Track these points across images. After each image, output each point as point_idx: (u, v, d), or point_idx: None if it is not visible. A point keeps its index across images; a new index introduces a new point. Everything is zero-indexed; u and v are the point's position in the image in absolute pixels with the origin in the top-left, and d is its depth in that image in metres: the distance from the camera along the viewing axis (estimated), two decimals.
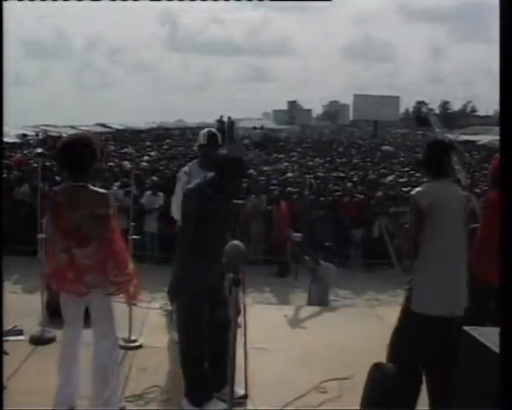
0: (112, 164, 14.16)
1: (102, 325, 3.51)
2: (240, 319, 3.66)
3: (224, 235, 3.58)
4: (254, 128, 30.13)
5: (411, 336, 3.40)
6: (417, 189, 3.54)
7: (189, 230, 3.56)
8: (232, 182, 3.63)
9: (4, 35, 2.75)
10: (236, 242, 2.54)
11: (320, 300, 6.61)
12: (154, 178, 11.99)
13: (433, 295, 3.36)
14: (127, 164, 13.99)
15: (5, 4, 2.66)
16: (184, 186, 4.22)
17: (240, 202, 4.32)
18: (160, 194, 10.31)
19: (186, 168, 4.98)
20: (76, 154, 3.38)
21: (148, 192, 10.36)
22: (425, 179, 3.66)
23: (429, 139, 3.96)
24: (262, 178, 12.44)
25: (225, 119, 28.44)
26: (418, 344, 3.37)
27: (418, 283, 3.40)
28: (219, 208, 3.62)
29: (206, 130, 4.99)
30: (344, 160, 20.53)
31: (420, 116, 43.59)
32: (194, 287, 3.62)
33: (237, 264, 2.44)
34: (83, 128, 32.10)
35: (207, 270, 3.58)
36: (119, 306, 5.66)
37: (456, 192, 3.57)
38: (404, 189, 11.15)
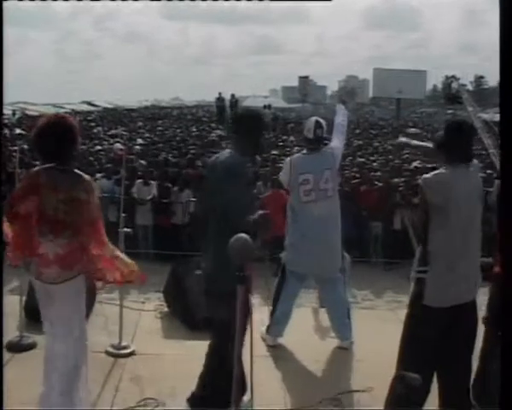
0: (99, 148, 14.20)
1: (66, 323, 3.50)
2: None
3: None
4: (264, 107, 30.01)
5: (426, 332, 3.53)
6: (428, 176, 3.59)
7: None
8: (248, 138, 3.69)
9: (4, 35, 3.00)
10: (243, 234, 2.55)
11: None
12: (142, 161, 11.99)
13: (448, 289, 3.50)
14: (118, 147, 14.02)
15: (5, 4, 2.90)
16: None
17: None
18: (153, 183, 10.30)
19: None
20: (54, 137, 3.38)
21: (139, 181, 10.36)
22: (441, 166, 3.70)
23: (449, 120, 4.04)
24: (268, 163, 12.42)
25: (227, 96, 28.28)
26: (433, 340, 3.52)
27: (431, 276, 3.52)
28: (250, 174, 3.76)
29: (313, 120, 5.27)
30: (362, 143, 20.50)
31: (450, 93, 43.25)
32: None
33: (244, 259, 2.45)
34: (66, 107, 32.15)
35: None
36: (108, 308, 5.74)
37: (473, 181, 3.64)
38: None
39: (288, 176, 5.18)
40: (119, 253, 3.67)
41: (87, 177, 3.46)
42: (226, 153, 3.80)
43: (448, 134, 3.65)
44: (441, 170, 3.59)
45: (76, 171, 3.45)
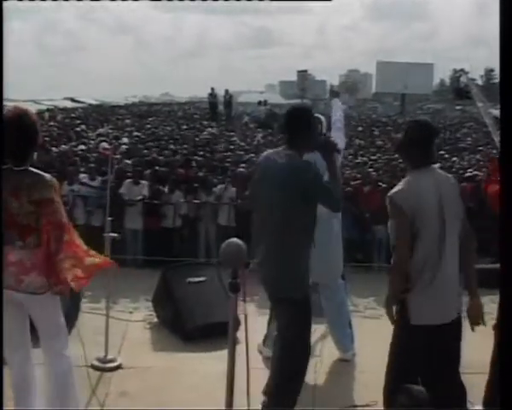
0: (83, 148, 14.18)
1: (48, 339, 3.48)
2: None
3: None
4: (259, 103, 29.98)
5: (413, 351, 3.58)
6: (397, 187, 3.62)
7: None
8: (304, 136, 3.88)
9: (4, 35, 3.05)
10: (235, 239, 2.55)
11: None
12: (128, 161, 11.95)
13: (433, 305, 3.54)
14: (104, 146, 13.97)
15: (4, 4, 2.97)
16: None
17: None
18: (144, 182, 10.29)
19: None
20: (10, 135, 3.31)
21: (129, 180, 10.34)
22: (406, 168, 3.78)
23: (411, 121, 4.02)
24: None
25: (220, 92, 28.28)
26: (421, 359, 3.59)
27: (414, 293, 3.55)
28: None
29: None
30: (364, 142, 20.53)
31: (458, 88, 43.34)
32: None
33: (236, 265, 2.45)
34: (47, 103, 32.09)
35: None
36: (93, 318, 5.73)
37: (442, 182, 3.67)
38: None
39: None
40: (91, 253, 3.65)
41: (47, 176, 3.42)
42: (285, 153, 3.90)
43: (407, 136, 3.69)
44: (405, 179, 3.64)
45: (34, 170, 3.41)
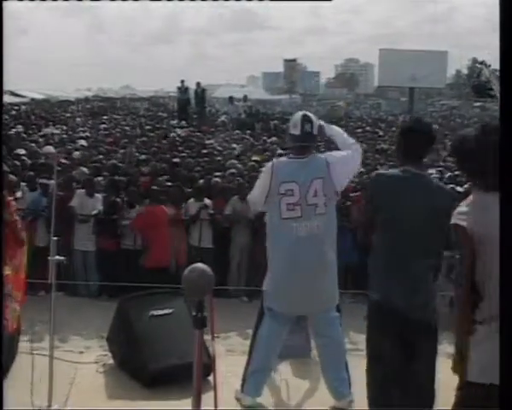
0: (22, 152, 14.11)
1: None
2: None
3: None
4: (231, 100, 30.04)
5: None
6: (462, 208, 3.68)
7: None
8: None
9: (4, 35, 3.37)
10: (200, 265, 2.56)
11: (300, 349, 6.66)
12: (84, 169, 11.92)
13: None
14: (49, 150, 13.92)
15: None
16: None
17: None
18: (98, 195, 10.26)
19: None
20: None
21: (81, 191, 10.30)
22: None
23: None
24: (245, 171, 12.46)
25: (192, 85, 28.24)
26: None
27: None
28: None
29: (300, 113, 5.43)
30: (365, 145, 20.64)
31: (478, 83, 43.78)
32: None
33: (202, 296, 2.46)
34: None
35: None
36: (36, 359, 5.69)
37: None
38: (452, 185, 11.20)
39: (266, 186, 5.21)
40: None
41: None
42: (419, 173, 4.36)
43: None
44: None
45: None
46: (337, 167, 5.22)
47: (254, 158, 14.40)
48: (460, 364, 3.56)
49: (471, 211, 3.57)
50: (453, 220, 3.59)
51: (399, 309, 4.16)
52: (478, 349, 3.50)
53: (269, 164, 5.45)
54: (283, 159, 5.49)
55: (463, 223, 3.54)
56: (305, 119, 5.29)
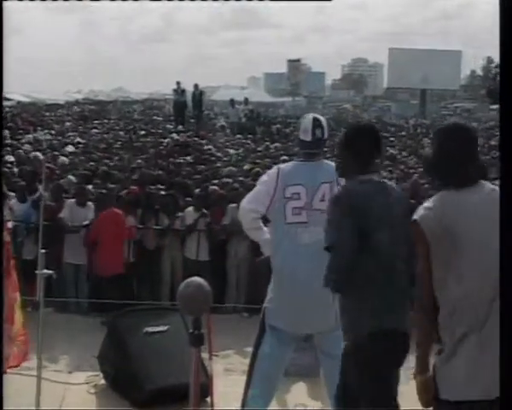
0: (11, 159, 14.13)
1: None
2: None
3: None
4: (232, 103, 30.04)
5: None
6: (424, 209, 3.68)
7: None
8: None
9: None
10: (197, 279, 2.57)
11: (309, 368, 6.65)
12: (71, 177, 11.91)
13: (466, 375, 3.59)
14: (36, 157, 13.92)
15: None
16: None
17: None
18: (91, 204, 10.25)
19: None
20: None
21: (71, 201, 10.29)
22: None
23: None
24: (243, 179, 12.45)
25: (189, 87, 28.30)
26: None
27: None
28: None
29: (310, 117, 5.40)
30: None
31: (494, 85, 43.72)
32: None
33: (199, 313, 2.46)
34: None
35: None
36: (23, 380, 5.70)
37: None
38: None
39: (270, 191, 5.20)
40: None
41: None
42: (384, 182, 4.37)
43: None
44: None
45: None
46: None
47: (245, 167, 14.44)
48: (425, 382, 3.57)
49: (437, 207, 3.57)
50: (413, 217, 3.61)
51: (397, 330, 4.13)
52: (447, 366, 3.50)
53: (274, 168, 5.46)
54: (290, 163, 5.52)
55: (420, 218, 3.54)
56: (316, 124, 5.29)
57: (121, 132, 23.25)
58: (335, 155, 4.44)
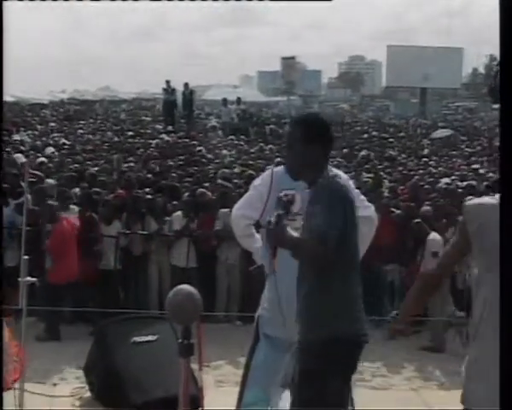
0: None
1: None
2: None
3: None
4: (225, 103, 30.01)
5: None
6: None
7: None
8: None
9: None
10: (186, 286, 2.57)
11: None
12: (50, 180, 11.88)
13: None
14: (19, 159, 13.92)
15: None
16: None
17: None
18: (74, 207, 10.25)
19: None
20: None
21: (55, 205, 10.28)
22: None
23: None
24: (237, 181, 12.47)
25: (179, 86, 28.25)
26: None
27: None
28: None
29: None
30: (373, 152, 20.68)
31: (495, 84, 43.81)
32: None
33: (189, 322, 2.47)
34: None
35: None
36: (4, 393, 5.69)
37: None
38: (471, 197, 11.27)
39: (263, 196, 5.21)
40: None
41: None
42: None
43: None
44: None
45: None
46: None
47: (236, 170, 14.47)
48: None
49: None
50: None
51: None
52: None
53: (267, 172, 5.47)
54: (284, 166, 5.54)
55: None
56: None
57: (109, 133, 23.22)
58: (290, 154, 4.29)
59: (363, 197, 5.39)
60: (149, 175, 12.98)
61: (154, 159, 16.08)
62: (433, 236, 9.99)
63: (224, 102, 28.63)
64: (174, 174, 13.38)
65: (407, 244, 10.75)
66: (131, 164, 14.67)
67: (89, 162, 15.07)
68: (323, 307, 4.03)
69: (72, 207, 10.22)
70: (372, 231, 5.38)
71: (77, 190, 11.33)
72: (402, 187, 13.23)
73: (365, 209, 5.32)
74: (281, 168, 5.46)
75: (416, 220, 10.45)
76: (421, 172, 16.04)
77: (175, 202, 10.73)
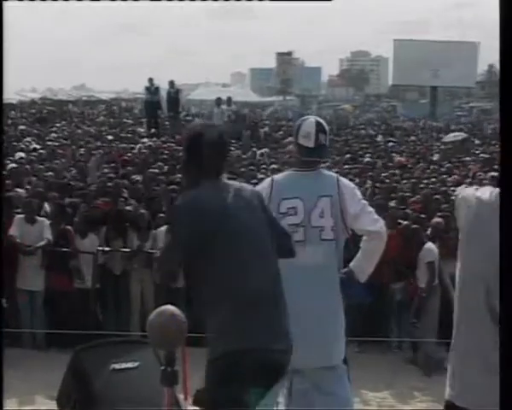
0: None
1: None
2: None
3: None
4: (218, 102, 29.98)
5: None
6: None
7: None
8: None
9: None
10: (170, 307, 2.57)
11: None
12: (19, 190, 11.87)
13: None
14: None
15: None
16: None
17: None
18: (43, 220, 10.21)
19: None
20: None
21: (20, 217, 10.23)
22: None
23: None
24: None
25: (163, 84, 28.29)
26: None
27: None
28: None
29: (312, 121, 5.48)
30: (378, 158, 20.69)
31: None
32: None
33: (173, 347, 2.47)
34: None
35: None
36: None
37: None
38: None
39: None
40: None
41: None
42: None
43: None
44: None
45: None
46: (348, 191, 5.31)
47: (241, 171, 14.50)
48: None
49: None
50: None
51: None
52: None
53: (267, 180, 5.50)
54: (285, 173, 5.56)
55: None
56: (320, 128, 5.38)
57: (86, 137, 23.20)
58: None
59: (370, 209, 5.40)
60: (131, 184, 12.94)
61: (136, 166, 16.05)
62: (429, 245, 10.12)
63: (218, 101, 28.39)
64: (158, 184, 13.36)
65: (414, 260, 10.76)
66: (111, 172, 14.63)
67: (63, 169, 15.05)
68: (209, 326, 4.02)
69: (39, 220, 10.15)
70: (381, 247, 5.38)
71: (47, 201, 11.30)
72: (412, 198, 13.23)
73: (373, 223, 5.33)
74: (281, 176, 5.48)
75: (414, 226, 10.54)
76: (432, 179, 16.03)
77: (160, 215, 10.70)
